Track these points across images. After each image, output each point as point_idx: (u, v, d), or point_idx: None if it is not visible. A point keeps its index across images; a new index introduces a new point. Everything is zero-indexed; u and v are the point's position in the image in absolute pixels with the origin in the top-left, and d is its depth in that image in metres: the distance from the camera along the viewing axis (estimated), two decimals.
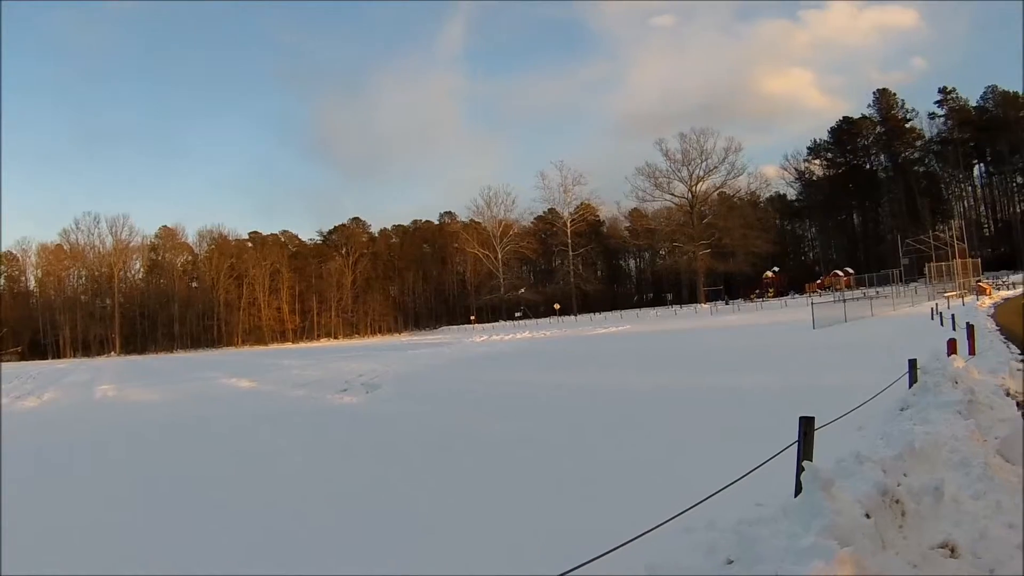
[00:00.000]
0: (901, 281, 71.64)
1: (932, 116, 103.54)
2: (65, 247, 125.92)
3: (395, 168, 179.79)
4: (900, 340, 20.53)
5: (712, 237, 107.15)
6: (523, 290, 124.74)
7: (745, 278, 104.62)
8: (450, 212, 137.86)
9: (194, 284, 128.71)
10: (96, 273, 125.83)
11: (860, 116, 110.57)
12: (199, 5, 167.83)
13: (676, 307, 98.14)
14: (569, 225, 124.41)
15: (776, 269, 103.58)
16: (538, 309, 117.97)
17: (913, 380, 9.24)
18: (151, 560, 6.03)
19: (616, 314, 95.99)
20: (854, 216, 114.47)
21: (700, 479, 5.50)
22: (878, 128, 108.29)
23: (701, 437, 9.37)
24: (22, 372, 56.22)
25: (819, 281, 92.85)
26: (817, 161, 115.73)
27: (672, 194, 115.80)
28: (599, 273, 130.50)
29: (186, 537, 6.65)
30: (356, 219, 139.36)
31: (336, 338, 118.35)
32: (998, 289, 56.76)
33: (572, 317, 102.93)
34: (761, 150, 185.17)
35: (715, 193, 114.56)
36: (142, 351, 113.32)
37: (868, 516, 3.90)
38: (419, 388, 20.47)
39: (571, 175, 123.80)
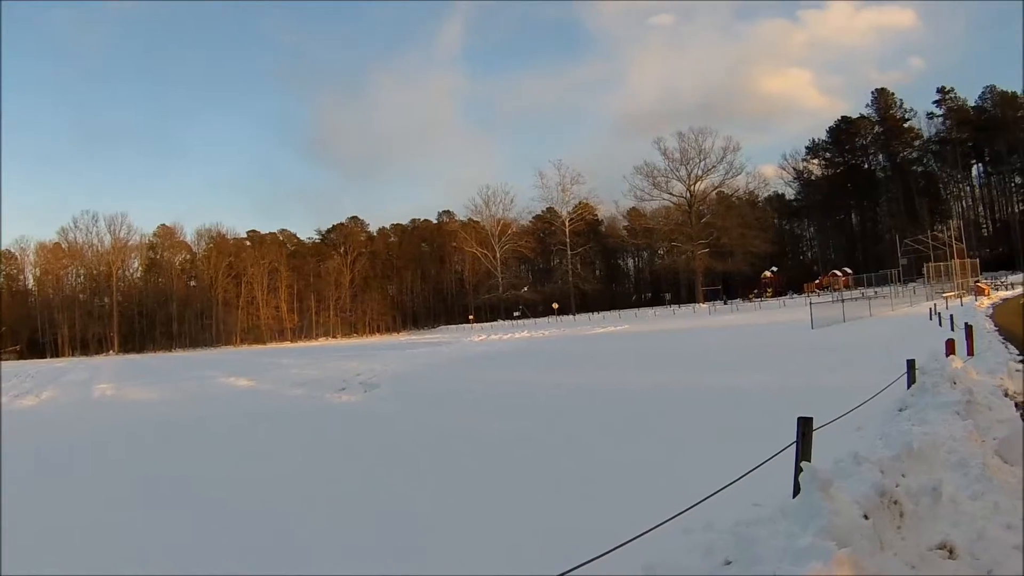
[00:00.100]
0: (899, 281, 71.74)
1: (931, 116, 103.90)
2: (63, 246, 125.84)
3: (394, 167, 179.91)
4: (898, 340, 20.54)
5: (710, 237, 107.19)
6: (525, 288, 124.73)
7: (743, 278, 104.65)
8: (448, 211, 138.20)
9: (192, 283, 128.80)
10: (94, 272, 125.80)
11: (858, 116, 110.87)
12: (198, 5, 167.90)
13: (674, 307, 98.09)
14: (567, 224, 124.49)
15: (774, 269, 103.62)
16: (536, 308, 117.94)
17: (911, 381, 9.24)
18: (150, 560, 6.02)
19: (614, 313, 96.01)
20: (852, 216, 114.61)
21: (698, 479, 5.50)
22: (876, 128, 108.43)
23: (699, 437, 9.37)
24: (20, 371, 56.19)
25: (817, 281, 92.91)
26: (815, 161, 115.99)
27: (670, 193, 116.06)
28: (597, 272, 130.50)
29: (185, 537, 6.64)
30: (354, 218, 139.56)
31: (334, 337, 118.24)
32: (996, 289, 56.79)
33: (570, 316, 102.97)
34: (759, 150, 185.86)
35: (713, 192, 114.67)
36: (140, 350, 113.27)
37: (866, 517, 3.90)
38: (417, 387, 20.46)
39: (569, 174, 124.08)
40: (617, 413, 12.43)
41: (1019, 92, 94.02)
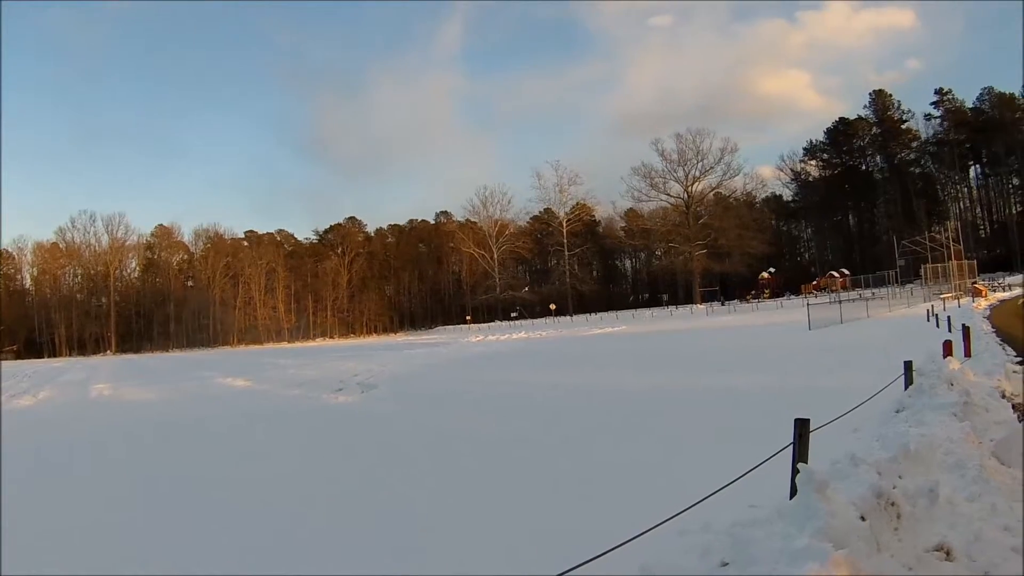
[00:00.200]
0: (897, 282, 71.81)
1: (928, 117, 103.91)
2: (61, 245, 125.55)
3: (392, 168, 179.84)
4: (896, 342, 20.56)
5: (708, 238, 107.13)
6: (526, 288, 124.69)
7: (741, 279, 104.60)
8: (446, 212, 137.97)
9: (190, 283, 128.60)
10: (92, 272, 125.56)
11: (856, 117, 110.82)
12: (197, 5, 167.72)
13: (672, 308, 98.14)
14: (565, 225, 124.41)
15: (772, 270, 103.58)
16: (534, 309, 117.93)
17: (909, 382, 9.25)
18: (150, 560, 6.02)
19: (612, 314, 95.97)
20: (850, 217, 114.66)
21: (695, 480, 5.50)
22: (874, 129, 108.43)
23: (696, 438, 9.37)
24: (18, 371, 56.14)
25: (815, 282, 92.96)
26: (813, 162, 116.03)
27: (668, 194, 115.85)
28: (595, 273, 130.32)
29: (183, 537, 6.64)
30: (352, 218, 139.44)
31: (332, 338, 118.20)
32: (994, 291, 56.83)
33: (568, 317, 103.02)
34: (757, 151, 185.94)
35: (711, 193, 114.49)
36: (138, 350, 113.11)
37: (863, 518, 3.90)
38: (415, 388, 20.46)
39: (567, 175, 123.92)
40: (614, 414, 12.43)
41: (1017, 93, 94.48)
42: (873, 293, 60.48)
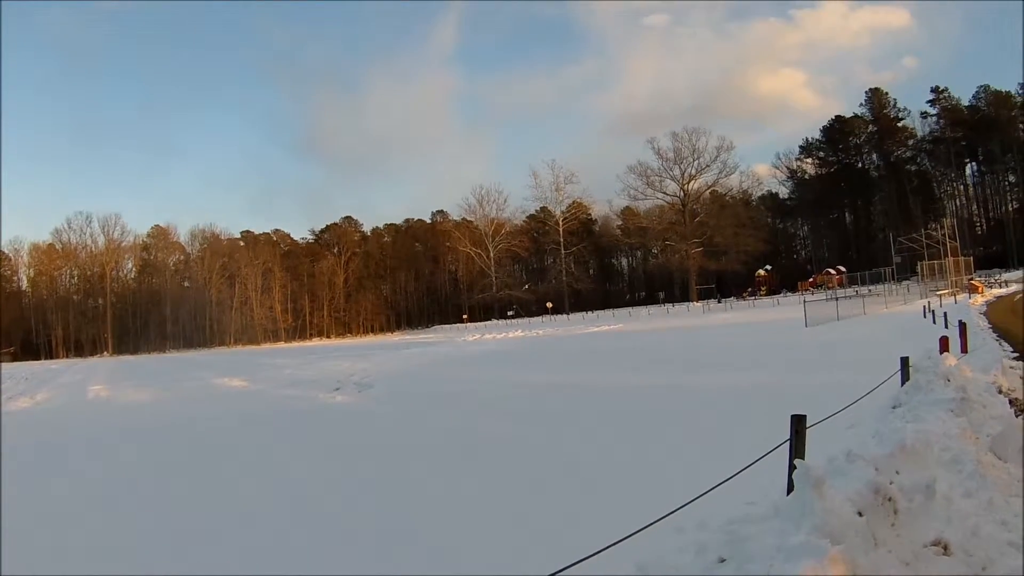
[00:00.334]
0: (893, 279, 71.90)
1: (924, 115, 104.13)
2: (57, 247, 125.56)
3: (388, 167, 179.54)
4: (892, 338, 20.61)
5: (704, 236, 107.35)
6: (526, 286, 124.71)
7: (737, 276, 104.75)
8: (442, 211, 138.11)
9: (186, 284, 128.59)
10: (88, 273, 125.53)
11: (852, 115, 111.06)
12: (194, 5, 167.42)
13: (668, 306, 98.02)
14: (561, 224, 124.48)
15: (768, 267, 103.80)
16: (530, 308, 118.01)
17: (905, 378, 9.24)
18: (149, 560, 6.00)
19: (608, 312, 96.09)
20: (846, 215, 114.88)
21: (692, 477, 5.49)
22: (870, 127, 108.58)
23: (693, 435, 9.37)
24: (15, 372, 56.03)
25: (811, 279, 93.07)
26: (809, 160, 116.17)
27: (664, 192, 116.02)
28: (591, 272, 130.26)
29: (182, 537, 6.63)
30: (348, 218, 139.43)
31: (328, 337, 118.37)
32: (990, 287, 56.94)
33: (564, 316, 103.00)
34: (753, 149, 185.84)
35: (707, 192, 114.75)
36: (134, 351, 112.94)
37: (860, 514, 3.88)
38: (411, 388, 20.45)
39: (563, 174, 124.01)
40: (610, 411, 12.42)
41: (1012, 91, 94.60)
42: (870, 290, 60.52)
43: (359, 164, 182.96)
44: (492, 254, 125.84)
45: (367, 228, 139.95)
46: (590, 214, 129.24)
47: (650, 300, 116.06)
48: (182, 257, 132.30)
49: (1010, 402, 8.36)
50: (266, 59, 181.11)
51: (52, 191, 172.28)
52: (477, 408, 14.87)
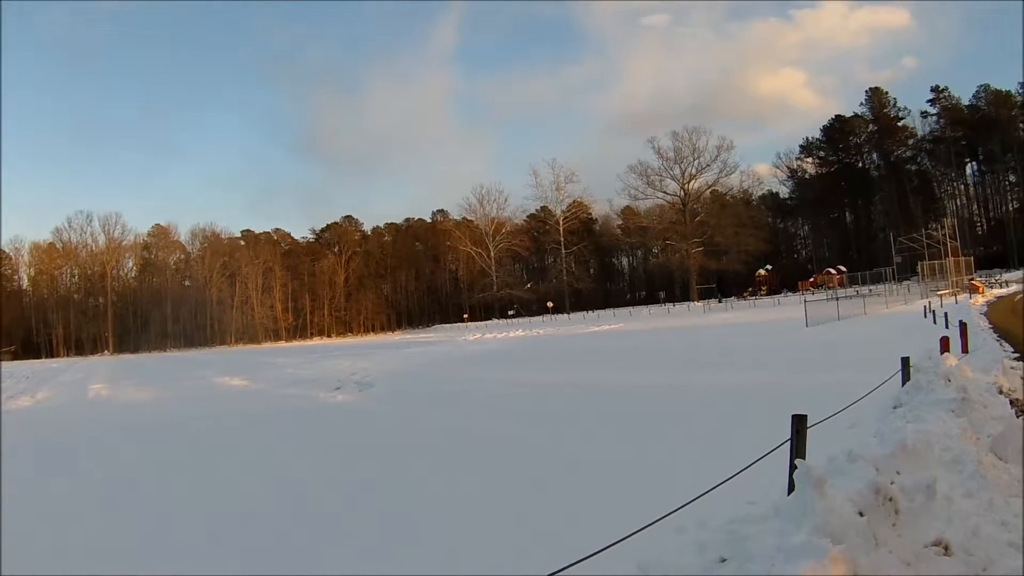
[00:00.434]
0: (894, 279, 71.84)
1: (924, 115, 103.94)
2: (58, 246, 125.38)
3: (388, 166, 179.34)
4: (893, 338, 20.61)
5: (704, 235, 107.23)
6: (526, 286, 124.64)
7: (738, 276, 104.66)
8: (443, 210, 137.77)
9: (187, 283, 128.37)
10: (89, 272, 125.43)
11: (852, 115, 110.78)
12: (195, 4, 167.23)
13: (669, 305, 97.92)
14: (562, 223, 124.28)
15: (768, 267, 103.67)
16: (531, 307, 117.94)
17: (906, 378, 9.25)
18: (150, 560, 6.01)
19: (609, 312, 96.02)
20: (847, 214, 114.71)
21: (692, 477, 5.50)
22: (870, 127, 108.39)
23: (694, 435, 9.38)
24: (15, 371, 56.05)
25: (812, 279, 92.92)
26: (809, 159, 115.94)
27: (664, 192, 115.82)
28: (592, 271, 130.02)
29: (181, 537, 6.63)
30: (349, 217, 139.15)
31: (329, 336, 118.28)
32: (991, 287, 56.93)
33: (565, 315, 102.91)
34: (753, 148, 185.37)
35: (707, 191, 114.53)
36: (135, 350, 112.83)
37: (861, 514, 3.89)
38: (412, 387, 20.47)
39: (563, 173, 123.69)
40: (611, 411, 12.43)
41: (1013, 91, 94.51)
42: (870, 290, 60.49)
43: (359, 164, 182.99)
44: (493, 253, 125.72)
45: (368, 227, 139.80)
46: (590, 213, 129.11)
47: (651, 300, 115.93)
48: (183, 256, 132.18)
49: (1011, 402, 8.36)
50: (266, 59, 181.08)
51: (52, 191, 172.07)
52: (478, 407, 14.89)
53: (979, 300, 41.85)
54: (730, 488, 4.82)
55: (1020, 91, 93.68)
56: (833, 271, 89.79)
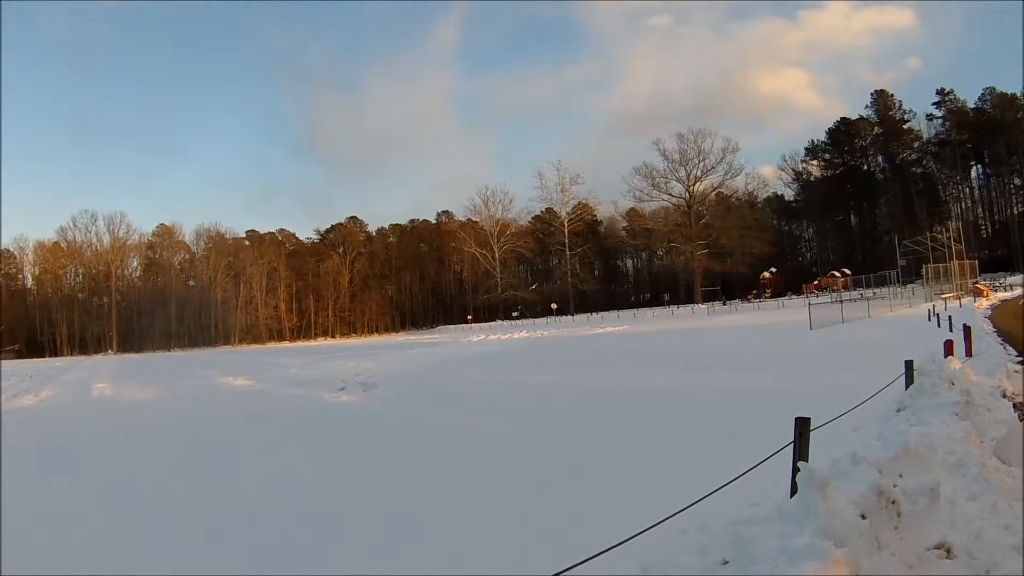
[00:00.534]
0: (898, 282, 71.74)
1: (930, 117, 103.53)
2: (62, 245, 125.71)
3: (392, 167, 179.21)
4: (897, 341, 20.57)
5: (709, 237, 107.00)
6: (531, 287, 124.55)
7: (742, 279, 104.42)
8: (447, 211, 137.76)
9: (191, 283, 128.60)
10: (93, 271, 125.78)
11: (858, 117, 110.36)
12: (195, 4, 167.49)
13: (673, 307, 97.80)
14: (566, 225, 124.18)
15: (773, 270, 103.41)
16: (535, 309, 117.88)
17: (910, 381, 9.24)
18: (150, 560, 6.02)
19: (613, 314, 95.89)
20: (851, 217, 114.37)
21: (696, 479, 5.51)
22: (876, 129, 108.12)
23: (698, 437, 9.38)
24: (19, 370, 56.17)
25: (816, 282, 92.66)
26: (815, 162, 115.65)
27: (669, 194, 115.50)
28: (596, 273, 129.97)
29: (182, 537, 6.65)
30: (353, 218, 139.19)
31: (333, 337, 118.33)
32: (995, 291, 56.81)
33: (569, 317, 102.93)
34: (758, 151, 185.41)
35: (712, 193, 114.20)
36: (139, 349, 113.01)
37: (864, 517, 3.89)
38: (416, 388, 20.48)
39: (568, 175, 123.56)
40: (615, 412, 12.43)
41: (1018, 94, 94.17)
42: (875, 293, 60.44)
43: (360, 164, 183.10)
44: (497, 255, 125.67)
45: (372, 228, 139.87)
46: (595, 215, 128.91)
47: (655, 302, 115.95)
48: (187, 256, 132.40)
49: (1014, 406, 8.37)
50: (266, 59, 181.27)
51: (53, 191, 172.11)
52: (482, 408, 14.90)
53: (983, 304, 41.75)
54: (733, 490, 4.83)
55: None
56: (837, 274, 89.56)
